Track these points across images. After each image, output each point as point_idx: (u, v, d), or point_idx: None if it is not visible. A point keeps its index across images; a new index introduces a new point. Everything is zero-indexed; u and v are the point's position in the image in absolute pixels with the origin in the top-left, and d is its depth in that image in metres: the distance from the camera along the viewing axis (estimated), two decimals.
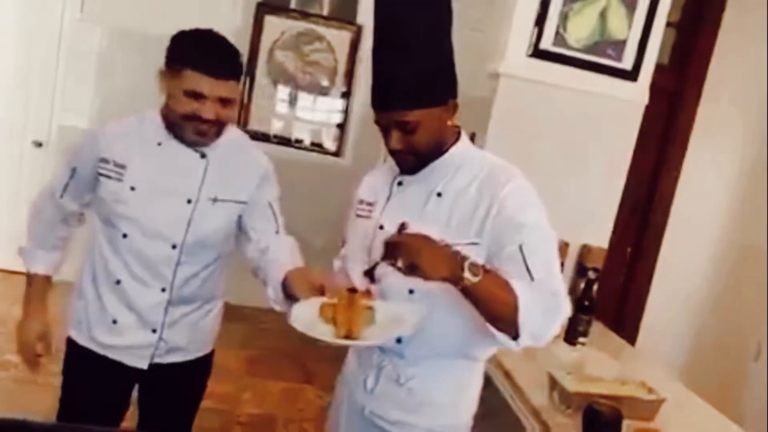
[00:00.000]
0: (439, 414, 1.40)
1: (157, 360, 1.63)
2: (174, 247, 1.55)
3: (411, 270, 1.14)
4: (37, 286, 1.69)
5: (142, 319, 1.59)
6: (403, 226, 1.22)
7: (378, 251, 1.35)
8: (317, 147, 4.55)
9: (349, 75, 4.45)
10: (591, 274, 2.39)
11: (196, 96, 1.44)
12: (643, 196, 3.50)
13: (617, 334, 2.61)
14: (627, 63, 2.50)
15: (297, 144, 4.52)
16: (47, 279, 1.70)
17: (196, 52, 1.45)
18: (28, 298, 1.70)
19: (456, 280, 1.14)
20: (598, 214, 2.60)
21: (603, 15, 2.46)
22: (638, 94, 2.53)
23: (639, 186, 3.26)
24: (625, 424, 1.52)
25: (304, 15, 4.39)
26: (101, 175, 1.54)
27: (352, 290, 1.30)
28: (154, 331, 1.60)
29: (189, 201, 1.54)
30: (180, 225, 1.54)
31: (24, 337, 1.68)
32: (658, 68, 2.60)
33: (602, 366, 1.90)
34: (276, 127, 4.48)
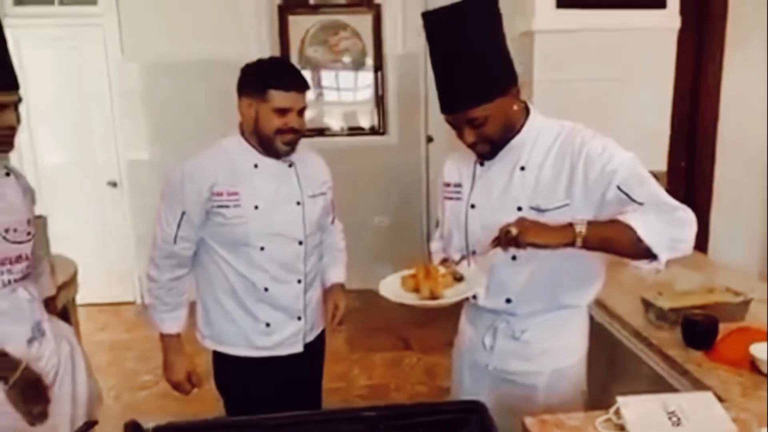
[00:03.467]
0: (557, 358, 1.59)
1: (306, 340, 1.89)
2: (300, 243, 1.80)
3: (522, 242, 1.30)
4: (172, 339, 1.84)
5: (288, 312, 1.83)
6: (513, 258, 1.43)
7: (474, 229, 1.55)
8: (364, 130, 4.75)
9: (378, 55, 4.61)
10: None
11: (284, 111, 1.69)
12: (687, 120, 3.55)
13: None
14: None
15: (350, 131, 4.73)
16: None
17: (276, 74, 1.71)
18: (167, 347, 1.85)
19: (571, 238, 1.30)
20: (652, 141, 2.74)
21: None
22: (669, 20, 2.63)
23: (682, 110, 3.31)
24: (721, 327, 1.70)
25: (324, 7, 4.56)
26: (218, 207, 1.71)
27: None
28: (299, 318, 1.85)
29: (298, 203, 1.79)
30: (299, 224, 1.80)
31: (175, 378, 1.86)
32: None
33: (687, 279, 2.07)
34: (325, 120, 4.70)
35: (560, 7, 2.54)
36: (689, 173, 3.80)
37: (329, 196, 1.94)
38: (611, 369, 1.95)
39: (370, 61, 4.62)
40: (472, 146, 1.50)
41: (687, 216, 1.34)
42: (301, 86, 1.72)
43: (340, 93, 4.70)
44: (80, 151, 4.52)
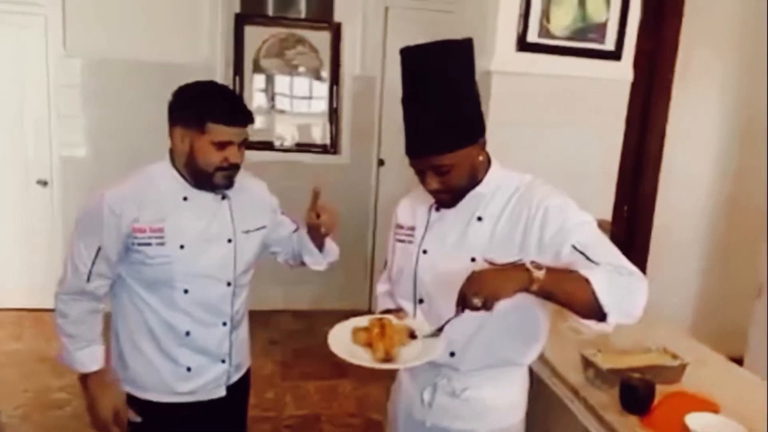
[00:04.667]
0: (498, 418, 1.54)
1: (229, 383, 1.77)
2: (229, 284, 1.68)
3: (489, 303, 1.20)
4: (94, 378, 1.65)
5: (211, 356, 1.71)
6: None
7: (423, 275, 1.50)
8: (316, 147, 4.65)
9: (335, 73, 4.54)
10: None
11: (224, 145, 1.55)
12: (632, 161, 3.64)
13: None
14: (609, 44, 2.63)
15: (301, 147, 4.62)
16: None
17: (217, 107, 1.55)
18: (88, 386, 1.65)
19: (527, 283, 1.20)
20: (599, 189, 2.76)
21: (582, 2, 2.58)
22: (623, 72, 2.67)
23: (628, 152, 3.38)
24: (658, 388, 1.68)
25: (284, 20, 4.46)
26: (140, 244, 1.56)
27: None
28: (223, 361, 1.73)
29: (229, 240, 1.67)
30: (228, 264, 1.67)
31: (103, 415, 1.65)
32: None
33: (622, 332, 2.05)
34: (271, 136, 4.57)
35: (520, 50, 2.54)
36: (631, 219, 3.89)
37: (278, 215, 1.86)
38: (549, 425, 1.92)
39: (326, 74, 4.54)
40: (433, 193, 1.45)
41: (642, 284, 1.29)
42: (245, 120, 1.59)
43: (293, 102, 4.58)
44: (10, 146, 4.25)
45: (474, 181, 1.44)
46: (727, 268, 3.90)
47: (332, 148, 4.66)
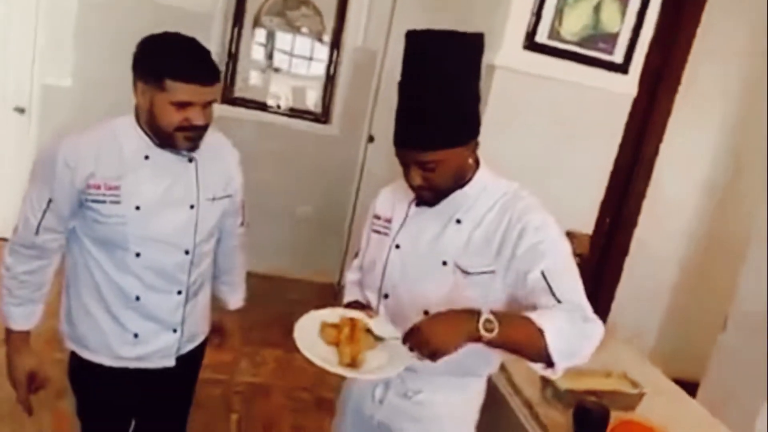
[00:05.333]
0: (447, 425, 1.52)
1: (180, 353, 1.70)
2: (187, 252, 1.59)
3: (433, 358, 1.16)
4: (16, 336, 1.60)
5: (162, 324, 1.63)
6: (426, 313, 1.30)
7: (392, 271, 1.45)
8: (305, 113, 4.55)
9: (337, 39, 4.42)
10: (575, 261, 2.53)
11: (183, 105, 1.43)
12: (622, 175, 3.61)
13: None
14: (618, 56, 2.57)
15: (293, 112, 4.51)
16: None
17: (177, 62, 1.42)
18: (9, 343, 1.60)
19: (475, 337, 1.15)
20: (584, 201, 2.72)
21: (597, 9, 2.51)
22: (628, 86, 2.61)
23: (619, 165, 3.34)
24: (613, 414, 1.68)
25: None
26: (93, 201, 1.47)
27: (357, 308, 1.43)
28: (175, 331, 1.66)
29: (192, 206, 1.57)
30: (188, 231, 1.58)
31: (16, 376, 1.61)
32: None
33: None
34: (265, 95, 4.46)
35: (527, 49, 2.47)
36: (611, 232, 3.87)
37: (238, 198, 1.75)
38: None
39: (327, 39, 4.42)
40: (416, 189, 1.39)
41: (596, 331, 1.26)
42: (207, 78, 1.44)
43: (292, 61, 4.45)
44: None
45: (460, 181, 1.39)
46: (698, 291, 3.92)
47: (324, 117, 4.56)
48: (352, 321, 1.34)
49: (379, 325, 1.37)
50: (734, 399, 2.80)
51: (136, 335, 1.61)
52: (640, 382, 1.90)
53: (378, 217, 1.55)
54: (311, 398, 3.22)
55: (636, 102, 2.71)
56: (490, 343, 1.17)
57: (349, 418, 1.63)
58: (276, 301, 4.20)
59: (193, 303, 1.69)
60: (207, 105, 1.48)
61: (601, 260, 3.88)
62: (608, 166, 2.75)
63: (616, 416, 1.72)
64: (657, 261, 3.92)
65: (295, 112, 4.52)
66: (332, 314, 1.39)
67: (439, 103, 1.29)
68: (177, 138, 1.48)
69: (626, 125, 2.72)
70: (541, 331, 1.17)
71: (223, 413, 2.96)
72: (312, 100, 4.55)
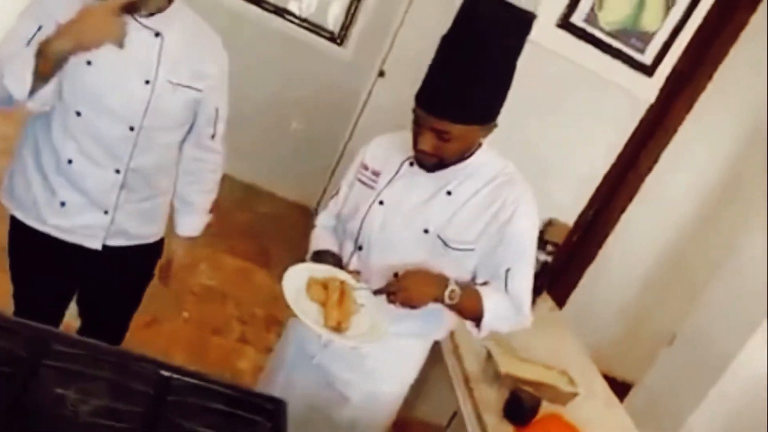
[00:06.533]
0: (384, 381, 1.56)
1: (108, 242, 1.66)
2: (132, 128, 1.52)
3: (402, 306, 1.32)
4: None
5: (92, 200, 1.59)
6: (395, 275, 1.36)
7: (370, 227, 1.44)
8: (321, 30, 4.40)
9: None
10: (548, 249, 2.54)
11: None
12: (614, 176, 3.57)
13: (551, 296, 2.82)
14: (648, 57, 2.50)
15: (310, 26, 4.34)
16: None
17: None
18: None
19: (440, 299, 1.34)
20: (574, 192, 2.71)
21: (641, 3, 2.42)
22: (649, 90, 2.55)
23: (611, 171, 3.30)
24: (543, 404, 1.74)
25: None
26: None
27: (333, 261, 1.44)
28: (105, 212, 1.61)
29: (147, 82, 1.49)
30: (138, 107, 1.50)
31: None
32: None
33: (539, 339, 2.09)
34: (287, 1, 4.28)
35: (560, 27, 2.38)
36: (593, 223, 3.88)
37: (211, 102, 1.63)
38: (427, 398, 1.96)
39: None
40: (420, 153, 1.36)
41: (522, 323, 1.47)
42: None
43: None
44: None
45: (462, 157, 1.38)
46: (654, 305, 3.99)
47: (339, 39, 4.41)
48: (343, 285, 1.34)
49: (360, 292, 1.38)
50: (662, 407, 2.93)
51: (63, 203, 1.57)
52: (578, 381, 1.95)
53: (366, 167, 1.51)
54: (263, 315, 3.25)
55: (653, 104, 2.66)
56: (449, 307, 1.37)
57: (291, 348, 1.65)
58: (248, 211, 4.18)
59: (135, 196, 1.64)
60: None
61: (574, 250, 3.92)
62: (606, 164, 2.72)
63: (545, 408, 1.77)
64: (628, 261, 3.96)
65: (311, 26, 4.36)
66: (320, 271, 1.39)
67: (480, 79, 1.26)
68: None
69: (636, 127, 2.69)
70: (483, 314, 1.39)
71: (174, 310, 2.99)
72: (332, 18, 4.39)
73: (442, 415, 2.39)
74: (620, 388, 2.62)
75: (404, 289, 1.31)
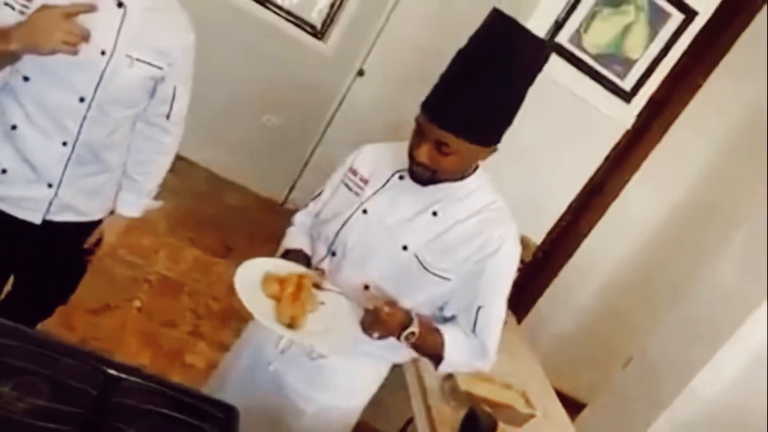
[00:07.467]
0: (341, 396, 1.51)
1: (50, 217, 1.59)
2: (82, 100, 1.45)
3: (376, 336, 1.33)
4: None
5: (37, 171, 1.52)
6: (366, 288, 1.35)
7: (348, 235, 1.39)
8: (303, 23, 4.32)
9: None
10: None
11: None
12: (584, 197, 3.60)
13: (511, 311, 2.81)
14: (628, 84, 2.52)
15: (293, 18, 4.26)
16: None
17: None
18: None
19: (398, 336, 1.32)
20: (546, 211, 2.72)
21: (627, 29, 2.43)
22: (626, 117, 2.58)
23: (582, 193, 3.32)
24: (500, 425, 1.72)
25: None
26: (5, 3, 1.32)
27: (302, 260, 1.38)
28: (50, 186, 1.55)
29: (103, 53, 1.42)
30: (90, 78, 1.43)
31: None
32: None
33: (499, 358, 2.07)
34: None
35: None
36: (564, 233, 3.89)
37: (171, 81, 1.57)
38: (384, 411, 1.92)
39: None
40: (416, 164, 1.30)
41: (482, 367, 1.44)
42: None
43: None
44: None
45: (457, 176, 1.34)
46: (618, 321, 4.03)
47: (321, 33, 4.35)
48: (300, 279, 1.28)
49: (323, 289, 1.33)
50: (614, 430, 2.96)
51: (4, 171, 1.50)
52: (535, 402, 1.94)
53: (354, 173, 1.46)
54: (218, 309, 3.16)
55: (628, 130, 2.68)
56: (408, 345, 1.35)
57: (249, 351, 1.59)
58: (213, 202, 4.08)
59: (83, 170, 1.57)
60: None
61: (536, 269, 3.94)
62: (577, 186, 2.73)
63: (503, 429, 1.76)
64: (590, 279, 4.00)
65: (294, 18, 4.28)
66: (279, 266, 1.33)
67: (495, 97, 1.23)
68: None
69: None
70: (442, 356, 1.37)
71: (126, 297, 2.88)
72: (316, 12, 4.31)
73: (395, 423, 2.36)
74: (572, 407, 2.64)
75: (379, 324, 1.30)
